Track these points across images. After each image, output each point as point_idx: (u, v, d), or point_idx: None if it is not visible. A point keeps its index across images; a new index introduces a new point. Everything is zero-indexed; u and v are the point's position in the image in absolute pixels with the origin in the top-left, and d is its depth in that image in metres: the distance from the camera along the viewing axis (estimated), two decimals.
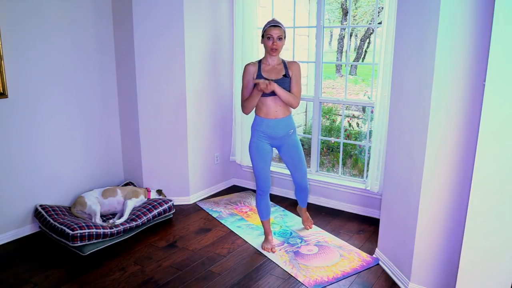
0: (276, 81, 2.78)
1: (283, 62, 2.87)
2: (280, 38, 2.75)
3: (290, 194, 4.12)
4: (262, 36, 2.80)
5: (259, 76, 2.80)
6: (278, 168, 4.18)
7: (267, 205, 3.07)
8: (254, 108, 2.90)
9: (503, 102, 1.85)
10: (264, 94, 2.79)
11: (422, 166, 2.33)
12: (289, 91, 2.83)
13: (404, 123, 2.54)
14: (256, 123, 2.91)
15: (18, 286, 2.63)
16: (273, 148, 3.02)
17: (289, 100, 2.80)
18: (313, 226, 3.46)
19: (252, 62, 2.89)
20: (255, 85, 2.75)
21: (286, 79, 2.82)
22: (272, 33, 2.73)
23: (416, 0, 2.37)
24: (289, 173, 4.07)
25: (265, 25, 2.78)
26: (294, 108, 2.93)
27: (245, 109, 2.89)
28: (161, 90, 3.71)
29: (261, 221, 3.13)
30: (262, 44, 2.84)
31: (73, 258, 2.95)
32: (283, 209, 3.84)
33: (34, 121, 3.25)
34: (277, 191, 4.21)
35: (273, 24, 2.75)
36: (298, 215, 3.54)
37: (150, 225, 3.45)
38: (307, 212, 3.41)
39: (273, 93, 2.78)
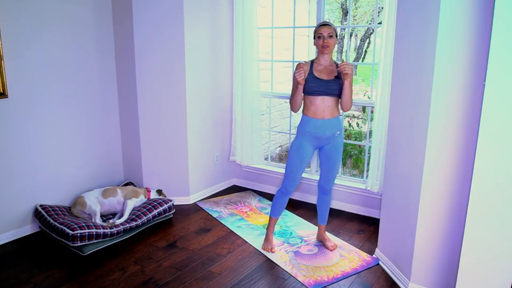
0: (327, 82, 2.75)
1: (336, 64, 2.83)
2: (330, 36, 2.73)
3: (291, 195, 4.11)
4: (314, 38, 2.80)
5: (311, 75, 2.77)
6: (282, 169, 4.19)
7: (284, 204, 3.04)
8: (302, 107, 2.88)
9: (503, 102, 1.85)
10: (315, 93, 2.76)
11: (422, 166, 2.33)
12: (340, 93, 2.78)
13: (404, 123, 2.54)
14: (302, 123, 2.86)
15: (18, 286, 2.63)
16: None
17: (350, 100, 2.77)
18: (313, 225, 3.46)
19: (304, 61, 2.86)
20: (307, 85, 2.74)
21: (338, 81, 2.77)
22: (322, 32, 2.73)
23: (416, 0, 2.37)
24: None
25: (316, 26, 2.79)
26: (345, 111, 2.88)
27: (291, 107, 2.87)
28: (161, 90, 3.71)
29: (270, 217, 3.12)
30: (315, 46, 2.82)
31: (73, 258, 2.95)
32: None
33: (34, 121, 3.25)
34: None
35: (323, 24, 2.77)
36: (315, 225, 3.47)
37: (150, 225, 3.45)
38: (325, 233, 3.21)
39: (323, 93, 2.76)
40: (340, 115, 3.00)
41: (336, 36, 2.78)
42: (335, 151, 2.91)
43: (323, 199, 3.09)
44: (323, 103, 2.78)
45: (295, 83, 2.75)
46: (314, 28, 2.82)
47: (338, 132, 2.88)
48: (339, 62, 2.85)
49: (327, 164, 2.95)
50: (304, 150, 2.86)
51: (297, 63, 2.86)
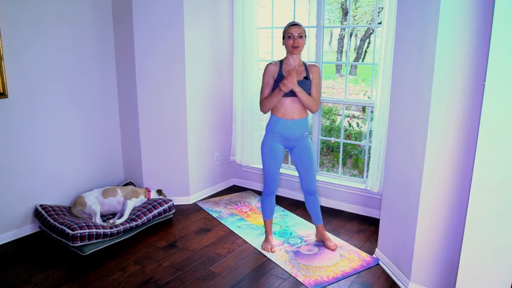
0: (297, 82, 2.76)
1: (304, 64, 2.85)
2: (300, 36, 2.75)
3: (291, 194, 4.12)
4: (283, 37, 2.81)
5: (280, 75, 2.78)
6: (282, 169, 4.18)
7: (272, 205, 3.07)
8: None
9: (503, 102, 1.85)
10: (284, 94, 2.77)
11: (422, 166, 2.33)
12: (309, 94, 2.81)
13: (404, 123, 2.54)
14: (271, 123, 2.89)
15: (18, 286, 2.63)
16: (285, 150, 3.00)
17: (308, 103, 2.78)
18: (313, 225, 3.46)
19: (274, 62, 2.87)
20: (276, 85, 2.76)
21: (307, 81, 2.80)
22: (292, 32, 2.74)
23: (416, 0, 2.37)
24: (290, 173, 4.11)
25: (285, 26, 2.80)
26: (313, 112, 2.90)
27: (263, 108, 2.87)
28: (161, 90, 3.71)
29: (264, 220, 3.13)
30: (284, 46, 2.84)
31: (73, 258, 2.95)
32: (283, 209, 3.84)
33: (34, 121, 3.25)
34: (277, 191, 4.20)
35: (293, 23, 2.77)
36: (311, 222, 3.47)
37: (150, 225, 3.45)
38: (325, 232, 3.19)
39: (293, 94, 2.77)
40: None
41: (305, 36, 2.80)
42: (306, 151, 2.93)
43: (311, 200, 3.07)
44: (292, 104, 2.80)
45: (278, 90, 2.74)
46: (284, 28, 2.82)
47: (307, 133, 2.91)
48: (307, 63, 2.87)
49: (302, 166, 2.97)
50: (275, 150, 2.89)
51: (267, 63, 2.87)
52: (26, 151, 3.23)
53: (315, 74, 2.83)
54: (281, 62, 2.85)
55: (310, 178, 2.98)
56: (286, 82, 2.67)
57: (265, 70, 2.85)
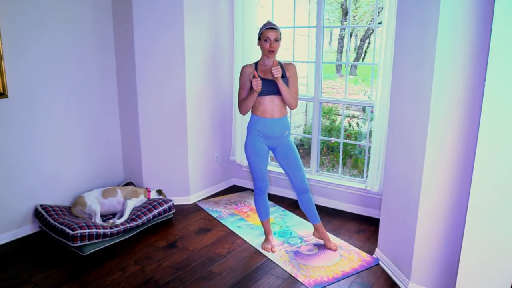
0: (273, 81, 2.79)
1: (280, 63, 2.88)
2: (276, 40, 2.79)
3: (290, 194, 4.12)
4: (259, 39, 2.84)
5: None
6: (277, 168, 4.18)
7: (266, 205, 3.07)
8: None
9: (503, 102, 1.85)
10: (262, 93, 2.81)
11: (422, 166, 2.33)
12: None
13: (404, 123, 2.54)
14: (252, 122, 2.92)
15: (18, 286, 2.63)
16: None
17: (289, 97, 2.82)
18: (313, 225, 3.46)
19: (249, 64, 2.92)
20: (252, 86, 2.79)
21: (284, 79, 2.84)
22: (269, 35, 2.76)
23: (416, 0, 2.37)
24: None
25: (261, 28, 2.82)
26: (292, 109, 2.94)
27: (241, 110, 2.91)
28: (161, 90, 3.71)
29: (261, 221, 3.13)
30: (259, 46, 2.88)
31: (73, 258, 2.96)
32: (283, 209, 3.84)
33: (34, 121, 3.25)
34: (276, 191, 4.21)
35: (270, 27, 2.79)
36: (306, 219, 3.49)
37: (150, 225, 3.45)
38: (325, 231, 3.13)
39: (271, 92, 2.81)
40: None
41: (281, 39, 2.83)
42: (290, 150, 2.96)
43: (305, 199, 3.03)
44: (271, 102, 2.85)
45: (253, 91, 2.77)
46: (260, 29, 2.84)
47: (287, 131, 2.94)
48: (283, 62, 2.93)
49: (290, 165, 2.98)
50: (259, 147, 2.92)
51: (242, 66, 2.93)
52: (26, 151, 3.23)
53: (292, 71, 2.88)
54: (256, 63, 2.90)
55: (301, 176, 2.99)
56: (253, 83, 2.72)
57: (241, 72, 2.90)
